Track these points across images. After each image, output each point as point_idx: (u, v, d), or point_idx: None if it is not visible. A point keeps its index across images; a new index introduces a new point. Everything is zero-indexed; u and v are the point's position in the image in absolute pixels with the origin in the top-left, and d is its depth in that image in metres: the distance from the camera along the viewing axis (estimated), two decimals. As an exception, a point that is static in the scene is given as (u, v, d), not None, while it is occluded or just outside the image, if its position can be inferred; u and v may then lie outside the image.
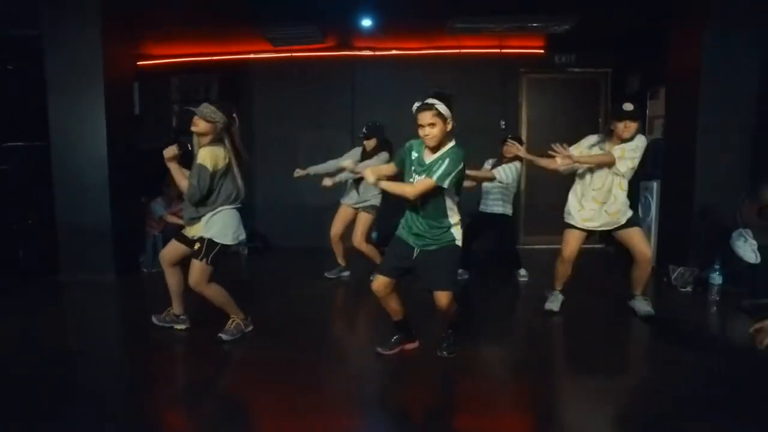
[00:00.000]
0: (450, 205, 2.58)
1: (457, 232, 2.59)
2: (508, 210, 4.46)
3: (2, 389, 2.48)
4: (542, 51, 5.97)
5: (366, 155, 4.31)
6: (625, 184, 3.37)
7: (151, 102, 6.04)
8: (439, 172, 2.45)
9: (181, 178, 2.91)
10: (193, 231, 2.97)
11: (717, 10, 4.18)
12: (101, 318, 3.77)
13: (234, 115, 2.93)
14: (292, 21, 5.03)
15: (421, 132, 2.48)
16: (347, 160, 3.88)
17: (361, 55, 6.07)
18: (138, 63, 6.02)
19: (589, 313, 3.69)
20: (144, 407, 2.40)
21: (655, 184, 4.87)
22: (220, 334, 3.03)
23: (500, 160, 4.40)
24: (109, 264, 4.58)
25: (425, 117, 2.45)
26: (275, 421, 2.27)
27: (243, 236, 3.08)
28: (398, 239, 2.68)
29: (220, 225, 2.88)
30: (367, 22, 5.12)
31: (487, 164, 4.45)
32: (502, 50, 5.95)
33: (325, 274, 4.68)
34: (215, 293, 3.00)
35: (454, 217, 2.59)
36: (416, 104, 2.50)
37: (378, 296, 2.68)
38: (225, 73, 6.28)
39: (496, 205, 4.42)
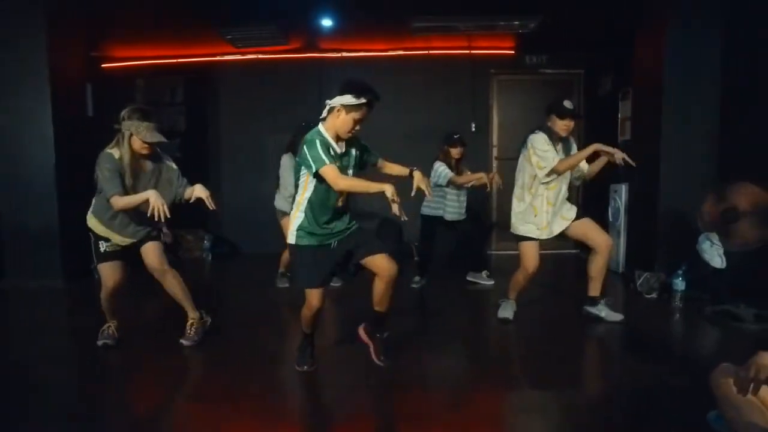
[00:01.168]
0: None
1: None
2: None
3: None
4: (513, 52, 5.85)
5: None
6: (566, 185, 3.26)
7: (115, 105, 5.90)
8: (371, 153, 2.55)
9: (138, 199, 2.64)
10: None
11: (680, 10, 4.06)
12: (46, 326, 3.59)
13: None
14: (251, 22, 4.91)
15: (353, 126, 2.32)
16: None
17: (328, 57, 5.95)
18: (102, 65, 5.93)
19: (552, 320, 3.54)
20: (98, 416, 2.24)
21: (623, 187, 4.72)
22: (182, 341, 2.89)
23: (450, 160, 4.19)
24: (57, 269, 4.43)
25: (365, 115, 2.32)
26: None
27: None
28: (309, 249, 2.42)
29: None
30: (327, 22, 5.00)
31: (441, 167, 4.18)
32: (472, 51, 5.83)
33: (279, 285, 4.48)
34: (177, 279, 2.86)
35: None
36: (365, 96, 2.26)
37: (315, 313, 2.47)
38: (191, 76, 6.17)
39: (453, 209, 4.25)
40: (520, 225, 3.26)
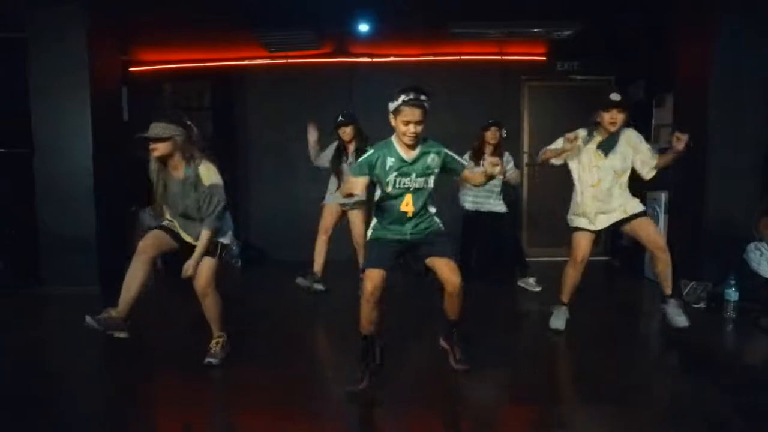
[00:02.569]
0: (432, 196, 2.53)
1: (439, 220, 2.56)
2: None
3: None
4: (544, 58, 5.83)
5: (344, 148, 4.20)
6: (626, 182, 3.20)
7: (143, 109, 5.88)
8: (455, 157, 2.48)
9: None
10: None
11: (727, 16, 4.03)
12: (82, 332, 3.56)
13: (188, 122, 2.68)
14: (288, 26, 4.88)
15: (406, 129, 2.30)
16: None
17: (358, 62, 5.92)
18: (130, 69, 5.89)
19: (594, 331, 3.49)
20: (129, 428, 2.20)
21: (663, 195, 4.69)
22: (209, 359, 2.76)
23: (485, 146, 4.25)
24: (93, 276, 4.38)
25: (416, 113, 2.28)
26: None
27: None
28: (381, 241, 2.47)
29: (227, 227, 2.81)
30: (364, 28, 4.98)
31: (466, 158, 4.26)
32: (503, 57, 5.80)
33: (298, 281, 4.43)
34: (216, 302, 2.77)
35: (433, 207, 2.54)
36: (403, 97, 2.28)
37: (371, 297, 2.34)
38: (218, 80, 6.13)
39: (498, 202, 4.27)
40: (571, 216, 3.30)
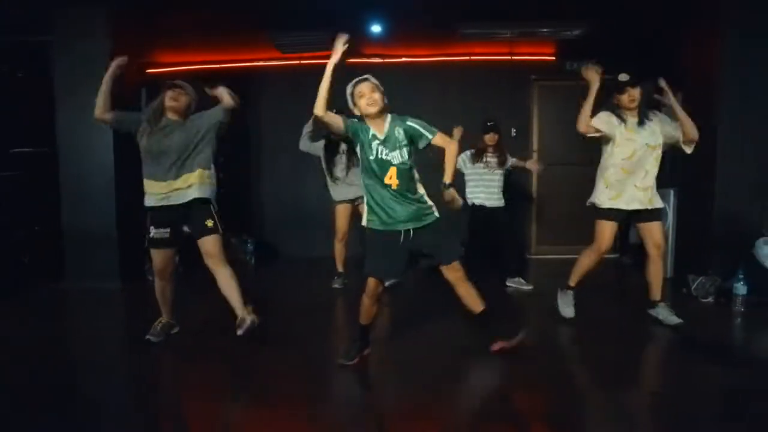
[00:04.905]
0: (416, 175, 2.62)
1: (431, 204, 2.64)
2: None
3: (2, 397, 2.41)
4: (553, 58, 5.89)
5: (336, 142, 4.39)
6: (657, 162, 3.27)
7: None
8: (422, 127, 2.55)
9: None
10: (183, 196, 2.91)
11: (735, 12, 4.08)
12: (104, 326, 3.70)
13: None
14: (301, 28, 5.00)
15: (364, 101, 2.49)
16: None
17: (370, 63, 6.02)
18: (148, 71, 6.05)
19: (604, 324, 3.55)
20: (148, 419, 2.29)
21: (672, 192, 4.73)
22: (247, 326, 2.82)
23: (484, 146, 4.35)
24: (114, 271, 4.52)
25: (365, 86, 2.50)
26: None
27: None
28: (378, 232, 2.55)
29: (213, 188, 3.00)
30: (376, 29, 5.08)
31: (465, 156, 4.40)
32: (513, 57, 5.88)
33: (334, 285, 4.57)
34: (231, 275, 2.91)
35: (421, 188, 2.63)
36: (351, 84, 2.55)
37: (368, 300, 2.63)
38: (234, 80, 6.24)
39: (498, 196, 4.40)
40: (595, 199, 3.35)
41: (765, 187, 4.07)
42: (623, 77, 3.24)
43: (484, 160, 4.38)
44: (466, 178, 4.42)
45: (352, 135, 2.51)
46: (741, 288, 3.64)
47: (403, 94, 6.03)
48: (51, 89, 4.44)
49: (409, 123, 2.57)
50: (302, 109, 6.13)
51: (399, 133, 2.55)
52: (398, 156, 2.51)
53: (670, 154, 5.22)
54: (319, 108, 2.38)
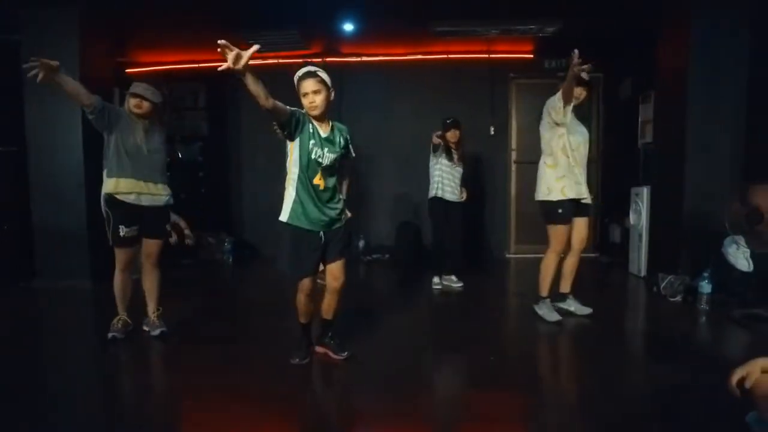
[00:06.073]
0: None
1: (344, 208, 2.69)
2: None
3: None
4: (531, 56, 5.87)
5: None
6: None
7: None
8: (350, 149, 2.62)
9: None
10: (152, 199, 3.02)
11: (704, 9, 4.06)
12: (74, 325, 3.69)
13: (164, 92, 3.09)
14: (273, 26, 4.98)
15: (305, 101, 2.44)
16: None
17: (348, 61, 6.02)
18: (127, 70, 6.05)
19: (576, 324, 3.52)
20: (120, 414, 2.28)
21: (645, 190, 4.71)
22: (146, 327, 3.15)
23: (448, 146, 4.30)
24: (85, 270, 4.51)
25: (309, 84, 2.41)
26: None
27: None
28: (301, 231, 2.51)
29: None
30: (348, 27, 5.07)
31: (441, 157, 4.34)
32: (491, 55, 5.86)
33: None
34: (157, 280, 3.16)
35: (341, 194, 2.70)
36: (298, 73, 2.45)
37: (305, 298, 2.60)
38: (212, 81, 6.26)
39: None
40: (544, 193, 3.40)
41: (733, 187, 4.03)
42: (585, 76, 3.30)
43: (453, 157, 4.36)
44: (435, 172, 4.35)
45: (294, 124, 2.39)
46: (706, 287, 3.62)
47: (380, 92, 6.07)
48: (20, 88, 4.43)
49: (348, 138, 2.62)
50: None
51: (340, 141, 2.56)
52: (333, 159, 2.52)
53: (644, 153, 5.24)
54: (261, 100, 2.23)
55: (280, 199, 2.45)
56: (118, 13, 4.66)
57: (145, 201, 2.99)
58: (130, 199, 2.95)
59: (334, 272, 2.61)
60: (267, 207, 6.26)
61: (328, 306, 2.71)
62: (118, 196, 2.93)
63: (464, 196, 4.47)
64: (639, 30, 4.94)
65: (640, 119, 5.28)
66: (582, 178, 3.38)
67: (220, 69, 2.06)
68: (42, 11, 4.39)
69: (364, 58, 6.01)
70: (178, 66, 6.21)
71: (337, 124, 2.61)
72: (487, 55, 5.86)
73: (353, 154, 2.69)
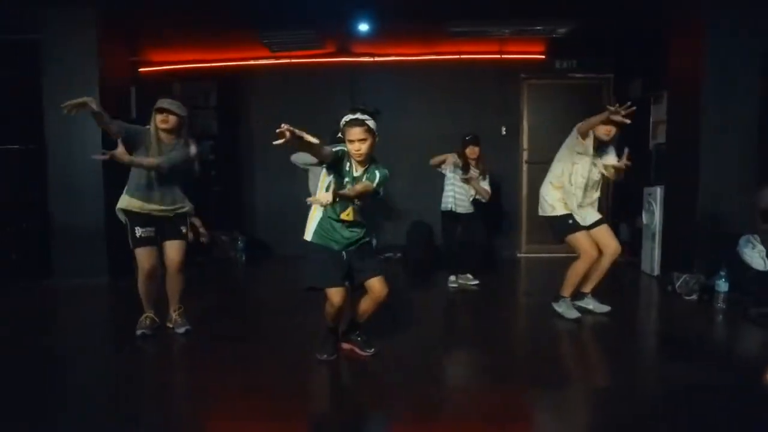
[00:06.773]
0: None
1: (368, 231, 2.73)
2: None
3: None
4: (543, 56, 5.90)
5: None
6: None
7: (151, 107, 6.05)
8: (377, 180, 2.52)
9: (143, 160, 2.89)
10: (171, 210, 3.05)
11: (718, 12, 4.09)
12: (92, 321, 3.73)
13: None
14: (289, 26, 5.02)
15: (351, 147, 2.48)
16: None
17: (360, 61, 6.05)
18: (139, 69, 6.08)
19: (590, 322, 3.56)
20: (136, 412, 2.30)
21: (658, 190, 4.74)
22: (173, 326, 3.16)
23: (466, 162, 4.33)
24: (102, 267, 4.55)
25: (356, 132, 2.44)
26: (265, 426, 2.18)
27: None
28: (324, 249, 2.57)
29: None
30: (364, 27, 5.10)
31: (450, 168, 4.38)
32: (502, 55, 5.89)
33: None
34: (181, 283, 3.18)
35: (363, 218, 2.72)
36: (345, 118, 2.48)
37: (334, 313, 2.59)
38: (224, 80, 6.29)
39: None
40: (560, 210, 3.43)
41: (748, 185, 4.08)
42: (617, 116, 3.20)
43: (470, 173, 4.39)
44: (450, 184, 4.39)
45: (333, 160, 2.46)
46: (723, 285, 3.65)
47: (392, 92, 6.09)
48: (40, 87, 4.46)
49: (383, 172, 2.57)
50: (293, 107, 6.23)
51: (375, 175, 2.56)
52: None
53: (656, 154, 5.27)
54: (321, 158, 2.40)
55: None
56: (136, 13, 4.69)
57: (158, 214, 3.04)
58: (144, 211, 3.01)
59: (376, 288, 2.61)
60: (278, 206, 6.35)
61: (364, 311, 2.71)
62: (131, 209, 3.01)
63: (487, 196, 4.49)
64: (649, 30, 4.98)
65: (651, 119, 5.31)
66: (586, 201, 3.43)
67: (275, 143, 2.20)
68: (61, 11, 4.43)
69: (376, 58, 6.04)
70: (191, 65, 6.23)
71: (379, 168, 2.57)
72: (498, 56, 5.89)
73: (381, 193, 2.65)
